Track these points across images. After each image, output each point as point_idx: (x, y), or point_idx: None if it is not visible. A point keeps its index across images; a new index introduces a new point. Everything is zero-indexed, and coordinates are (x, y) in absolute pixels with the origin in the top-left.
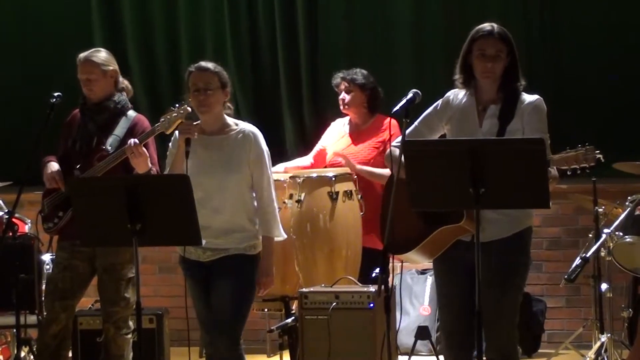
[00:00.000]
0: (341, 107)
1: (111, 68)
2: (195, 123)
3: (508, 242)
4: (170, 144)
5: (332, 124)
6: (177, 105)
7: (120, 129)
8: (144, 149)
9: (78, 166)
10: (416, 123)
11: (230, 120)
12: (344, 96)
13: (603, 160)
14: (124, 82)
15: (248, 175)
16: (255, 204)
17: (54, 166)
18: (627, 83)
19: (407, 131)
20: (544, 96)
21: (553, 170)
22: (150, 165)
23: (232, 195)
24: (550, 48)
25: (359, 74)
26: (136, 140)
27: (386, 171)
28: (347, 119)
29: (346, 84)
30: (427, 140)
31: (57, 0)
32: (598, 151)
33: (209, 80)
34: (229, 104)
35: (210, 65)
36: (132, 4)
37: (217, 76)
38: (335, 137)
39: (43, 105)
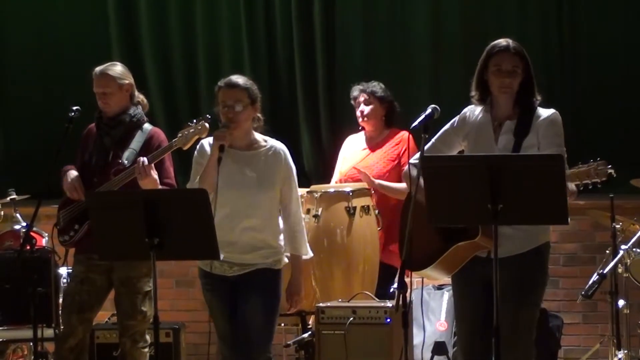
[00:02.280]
0: (360, 120)
1: (127, 82)
2: (228, 130)
3: (525, 258)
4: (196, 154)
5: (347, 140)
6: (194, 121)
7: (136, 143)
8: (153, 169)
9: (97, 176)
10: (433, 140)
11: (259, 137)
12: (363, 108)
13: (615, 175)
14: (139, 96)
15: (278, 192)
16: (281, 221)
17: (73, 174)
18: None
19: (425, 147)
20: (561, 111)
21: (572, 185)
22: (158, 186)
23: (263, 213)
24: (568, 63)
25: (377, 86)
26: (145, 161)
27: (403, 186)
28: (361, 133)
29: (365, 96)
30: (445, 155)
31: (76, 15)
32: (610, 166)
33: (238, 97)
34: (259, 116)
35: (240, 80)
36: (149, 18)
37: (247, 92)
38: (353, 151)
39: (61, 119)
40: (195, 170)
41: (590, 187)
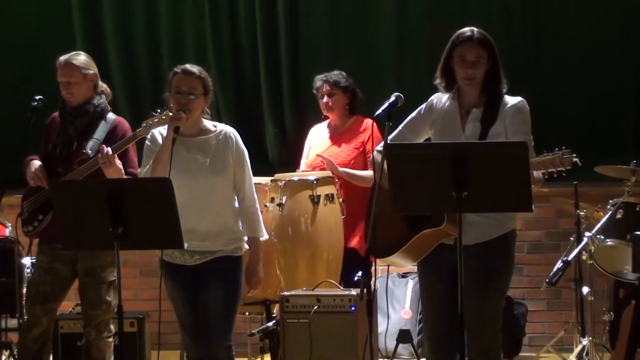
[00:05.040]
0: (324, 111)
1: (91, 72)
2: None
3: (491, 245)
4: (147, 142)
5: (312, 129)
6: (158, 110)
7: (100, 133)
8: (116, 159)
9: (61, 166)
10: (400, 127)
11: (208, 123)
12: (327, 99)
13: (579, 164)
14: (103, 86)
15: (232, 176)
16: (237, 205)
17: (36, 164)
18: (609, 88)
19: (392, 135)
20: (526, 100)
21: (538, 173)
22: (123, 175)
23: (219, 197)
24: (531, 51)
25: (339, 76)
26: (108, 150)
27: (368, 173)
28: (326, 122)
29: (328, 87)
30: (409, 143)
31: (38, 4)
32: (574, 154)
33: (193, 84)
34: (207, 110)
35: (196, 69)
36: (112, 8)
37: (202, 82)
38: (317, 140)
39: (24, 109)
40: (146, 156)
41: (555, 175)
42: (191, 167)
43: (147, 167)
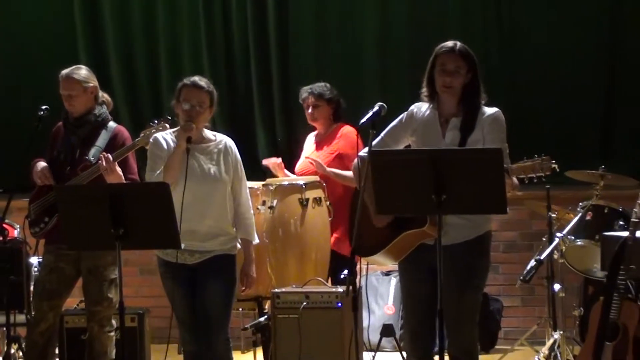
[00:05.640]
0: (309, 120)
1: (91, 85)
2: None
3: (468, 246)
4: (151, 146)
5: (308, 137)
6: (156, 121)
7: (101, 140)
8: (116, 166)
9: (65, 172)
10: (382, 135)
11: (208, 132)
12: (312, 110)
13: (558, 170)
14: (104, 96)
15: (230, 182)
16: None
17: (42, 164)
18: (579, 98)
19: (374, 142)
20: (500, 107)
21: (514, 179)
22: (123, 181)
23: (219, 202)
24: (507, 63)
25: (323, 87)
26: (109, 157)
27: (350, 173)
28: (316, 131)
29: (313, 99)
30: (392, 150)
31: (45, 21)
32: (554, 161)
33: (202, 98)
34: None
35: (204, 83)
36: (114, 23)
37: (210, 95)
38: (307, 147)
39: (30, 117)
40: (153, 161)
41: (535, 180)
42: (195, 173)
43: (159, 172)
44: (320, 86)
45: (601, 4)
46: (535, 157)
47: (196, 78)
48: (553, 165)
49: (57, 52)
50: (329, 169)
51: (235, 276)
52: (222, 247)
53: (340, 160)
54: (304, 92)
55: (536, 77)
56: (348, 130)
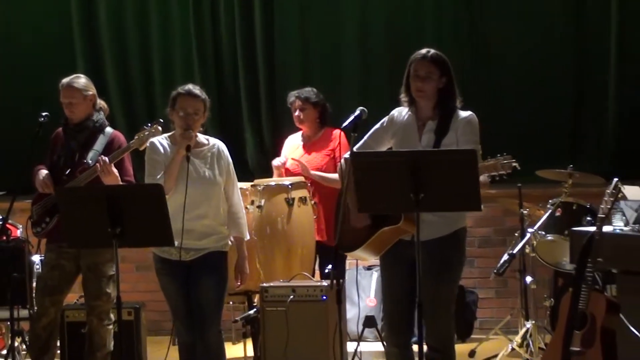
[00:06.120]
0: (296, 123)
1: (90, 93)
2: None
3: (444, 241)
4: (149, 151)
5: (287, 139)
6: (149, 124)
7: (99, 144)
8: (113, 168)
9: (65, 175)
10: (366, 137)
11: (202, 137)
12: (299, 113)
13: (519, 168)
14: (101, 103)
15: (223, 184)
16: (225, 209)
17: (44, 173)
18: (549, 101)
19: (358, 145)
20: (473, 109)
21: (485, 177)
22: (120, 182)
23: (214, 203)
24: (479, 67)
25: (311, 92)
26: (106, 160)
27: (336, 176)
28: (299, 133)
29: (300, 103)
30: (373, 152)
31: (46, 32)
32: (514, 160)
33: (197, 106)
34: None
35: (198, 91)
36: (110, 33)
37: (204, 103)
38: (292, 148)
39: (32, 123)
40: (151, 166)
41: (497, 178)
42: (192, 176)
43: (159, 177)
44: (307, 91)
45: (568, 11)
46: (497, 156)
47: (190, 86)
48: (514, 164)
49: (56, 60)
50: (313, 172)
51: (227, 271)
52: (215, 244)
53: (335, 161)
54: (292, 96)
55: (508, 83)
56: (342, 135)
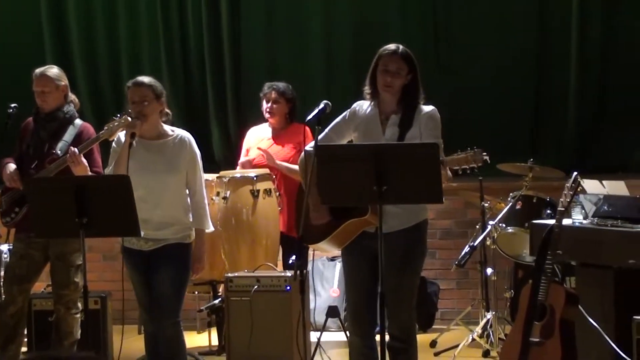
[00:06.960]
0: (266, 115)
1: (63, 83)
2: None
3: (407, 233)
4: (114, 144)
5: (251, 130)
6: (118, 115)
7: (68, 135)
8: (82, 158)
9: (34, 164)
10: (327, 130)
11: (167, 128)
12: (271, 105)
13: (489, 161)
14: (72, 96)
15: (184, 175)
16: (189, 200)
17: (11, 167)
18: (510, 96)
19: (320, 137)
20: (437, 106)
21: (447, 171)
22: (89, 172)
23: (171, 193)
24: (443, 63)
25: (287, 88)
26: (75, 150)
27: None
28: (265, 124)
29: (276, 95)
30: (337, 145)
31: (15, 27)
32: (485, 153)
33: (144, 93)
34: (166, 111)
35: (145, 79)
36: (79, 29)
37: (151, 89)
38: (257, 139)
39: (1, 116)
40: (111, 157)
41: (468, 172)
42: (148, 167)
43: (111, 167)
44: (283, 85)
45: (528, 10)
46: (468, 149)
47: (138, 77)
48: (485, 157)
49: (26, 56)
50: (278, 162)
51: (188, 263)
52: (175, 235)
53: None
54: (267, 87)
55: (470, 79)
56: (308, 130)
